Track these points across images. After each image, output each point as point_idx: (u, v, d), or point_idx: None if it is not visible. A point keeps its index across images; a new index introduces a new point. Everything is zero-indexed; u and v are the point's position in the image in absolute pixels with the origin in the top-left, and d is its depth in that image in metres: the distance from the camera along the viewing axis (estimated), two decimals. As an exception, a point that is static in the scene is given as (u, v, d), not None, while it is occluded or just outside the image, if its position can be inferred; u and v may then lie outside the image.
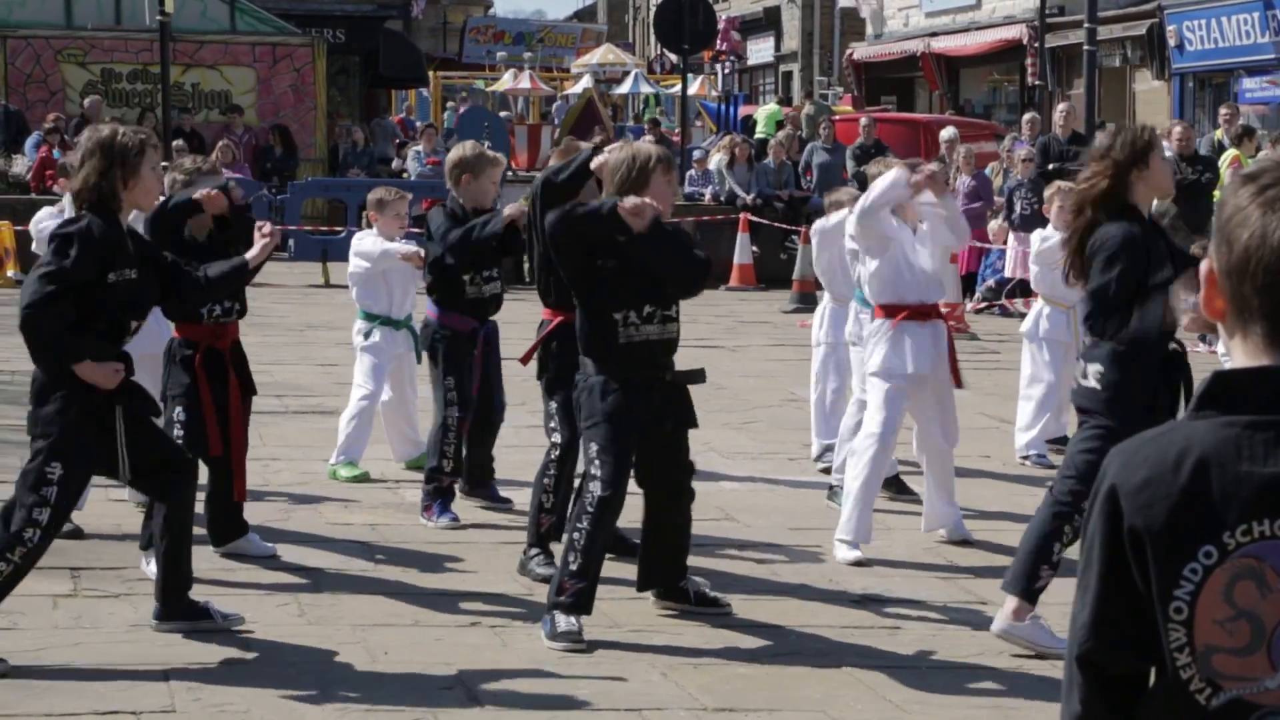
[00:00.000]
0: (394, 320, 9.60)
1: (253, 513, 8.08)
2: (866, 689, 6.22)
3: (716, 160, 23.36)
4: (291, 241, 22.07)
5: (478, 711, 5.89)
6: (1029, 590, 6.54)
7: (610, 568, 7.85)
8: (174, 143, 24.05)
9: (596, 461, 6.67)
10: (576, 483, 7.33)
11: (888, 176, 8.01)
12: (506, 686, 6.13)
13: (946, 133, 21.58)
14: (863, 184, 20.24)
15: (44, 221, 9.04)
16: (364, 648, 6.55)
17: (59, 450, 6.22)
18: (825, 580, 7.70)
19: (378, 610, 7.05)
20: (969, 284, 19.37)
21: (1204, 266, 2.22)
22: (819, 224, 9.84)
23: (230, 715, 5.79)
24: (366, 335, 9.57)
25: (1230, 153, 18.08)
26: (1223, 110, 20.96)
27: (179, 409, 7.60)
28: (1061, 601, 7.32)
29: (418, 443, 9.68)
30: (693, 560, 8.04)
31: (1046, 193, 10.61)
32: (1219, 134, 20.00)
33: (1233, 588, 2.14)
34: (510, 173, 26.93)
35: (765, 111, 32.17)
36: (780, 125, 27.80)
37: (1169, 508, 2.16)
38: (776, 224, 21.80)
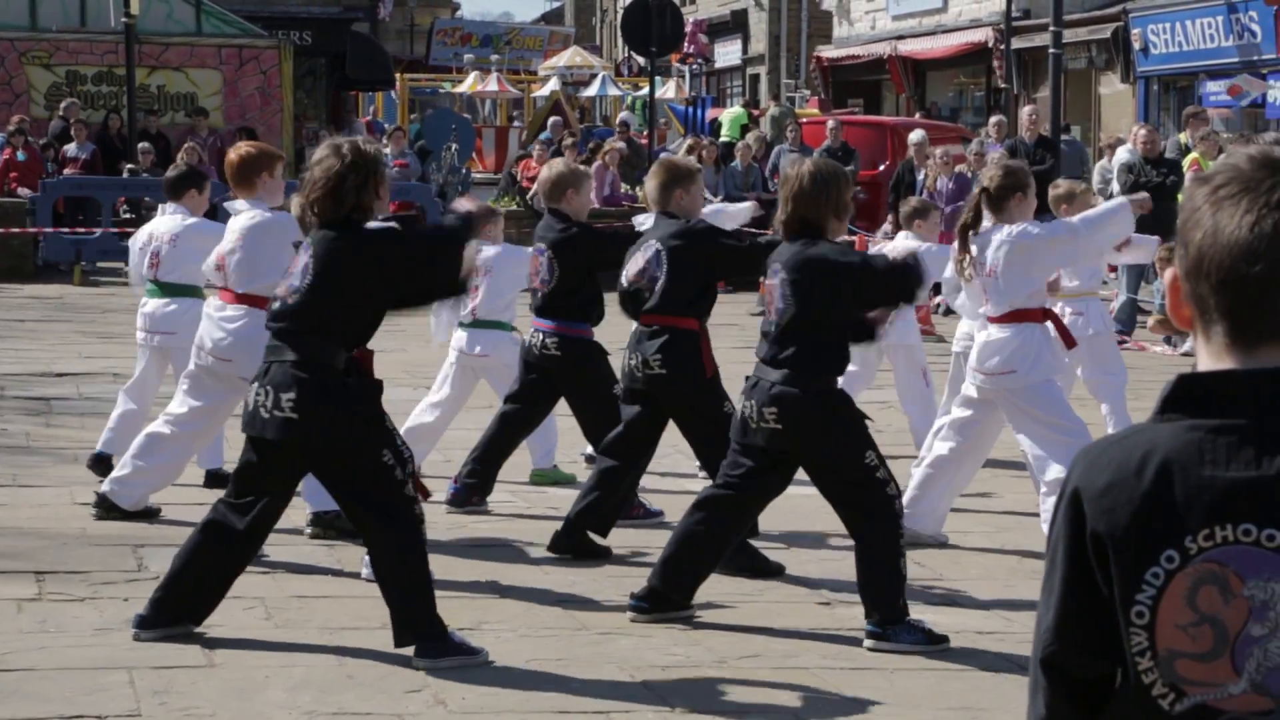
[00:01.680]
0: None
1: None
2: (834, 691, 6.23)
3: (684, 163, 23.33)
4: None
5: (445, 714, 5.88)
6: None
7: (578, 570, 7.85)
8: (139, 145, 23.99)
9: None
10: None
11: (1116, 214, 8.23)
12: (474, 689, 6.12)
13: (915, 136, 21.64)
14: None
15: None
16: (332, 651, 6.53)
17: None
18: (793, 582, 7.70)
19: (345, 613, 7.03)
20: (936, 286, 19.40)
21: (1168, 274, 2.24)
22: None
23: (196, 718, 5.76)
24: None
25: (1191, 155, 18.17)
26: (1187, 113, 21.06)
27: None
28: (1010, 605, 7.34)
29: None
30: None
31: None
32: (1183, 137, 20.09)
33: (1195, 593, 2.14)
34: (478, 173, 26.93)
35: (731, 114, 32.21)
36: (745, 128, 27.86)
37: (1131, 512, 2.16)
38: (744, 227, 21.81)
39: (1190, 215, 2.18)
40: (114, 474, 8.62)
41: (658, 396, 7.88)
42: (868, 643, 6.72)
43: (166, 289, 9.20)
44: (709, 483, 7.50)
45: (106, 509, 8.52)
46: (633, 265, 7.90)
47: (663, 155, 8.79)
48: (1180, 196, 17.01)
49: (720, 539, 7.04)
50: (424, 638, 6.32)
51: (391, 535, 6.32)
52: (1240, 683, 2.14)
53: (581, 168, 9.30)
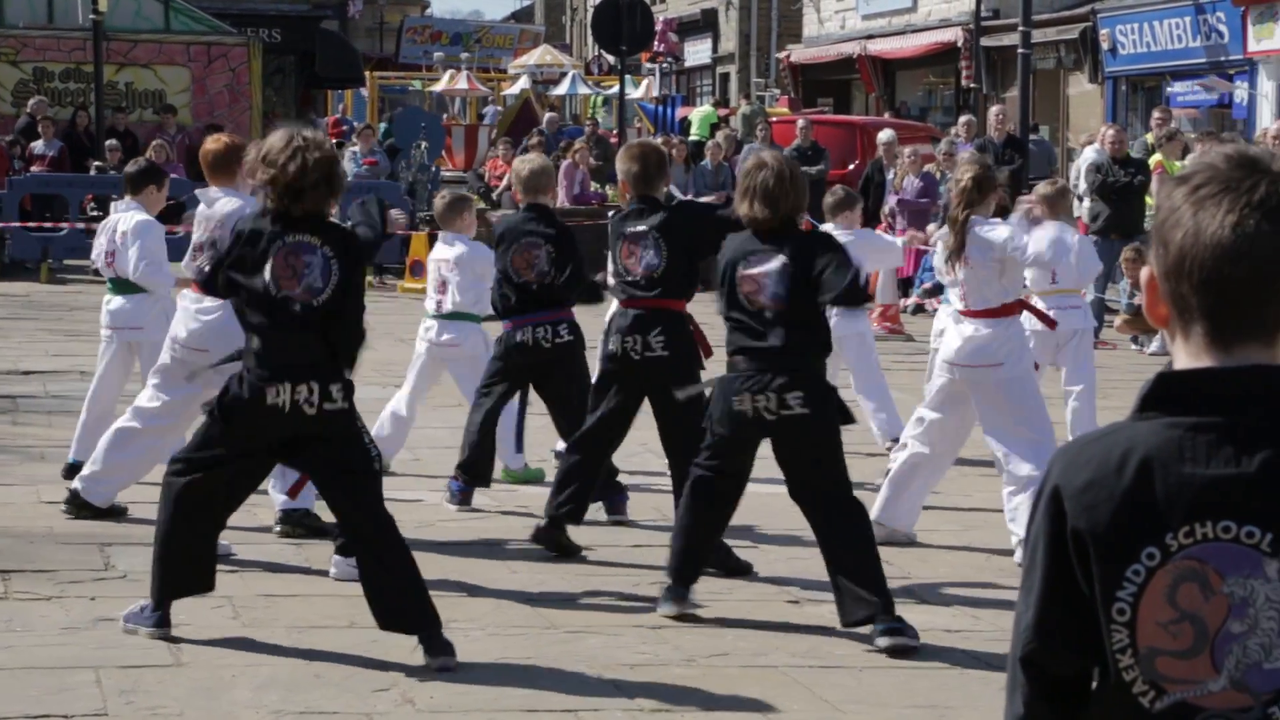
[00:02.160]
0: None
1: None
2: (803, 689, 6.23)
3: (654, 161, 23.33)
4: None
5: (413, 712, 5.87)
6: None
7: (547, 569, 7.85)
8: (107, 142, 23.89)
9: None
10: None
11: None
12: (443, 688, 6.11)
13: (884, 135, 21.67)
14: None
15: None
16: (299, 650, 6.51)
17: None
18: (761, 581, 7.71)
19: (312, 612, 7.02)
20: (905, 285, 19.46)
21: (1144, 273, 2.24)
22: None
23: (163, 718, 5.75)
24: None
25: (1155, 157, 18.23)
26: (1155, 113, 21.13)
27: None
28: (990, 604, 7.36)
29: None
30: (629, 562, 8.04)
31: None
32: (1150, 137, 20.16)
33: (1176, 590, 2.15)
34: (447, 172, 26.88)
35: (700, 113, 32.22)
36: (715, 127, 27.87)
37: (1112, 509, 2.17)
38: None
39: (1169, 215, 2.18)
40: (84, 471, 8.58)
41: (651, 378, 7.87)
42: (887, 641, 6.63)
43: (121, 285, 9.20)
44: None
45: (78, 507, 8.48)
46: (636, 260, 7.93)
47: (640, 141, 8.80)
48: (1149, 197, 17.08)
49: (722, 520, 7.19)
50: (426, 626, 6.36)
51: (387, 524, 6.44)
52: (1220, 680, 2.15)
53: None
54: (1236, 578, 2.14)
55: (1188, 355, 2.20)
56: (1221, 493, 2.14)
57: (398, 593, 6.36)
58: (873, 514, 7.58)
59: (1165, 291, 2.20)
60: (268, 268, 6.34)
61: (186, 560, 6.55)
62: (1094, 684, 2.26)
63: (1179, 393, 2.18)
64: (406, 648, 6.57)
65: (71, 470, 9.09)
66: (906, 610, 7.27)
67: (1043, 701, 2.28)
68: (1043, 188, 10.35)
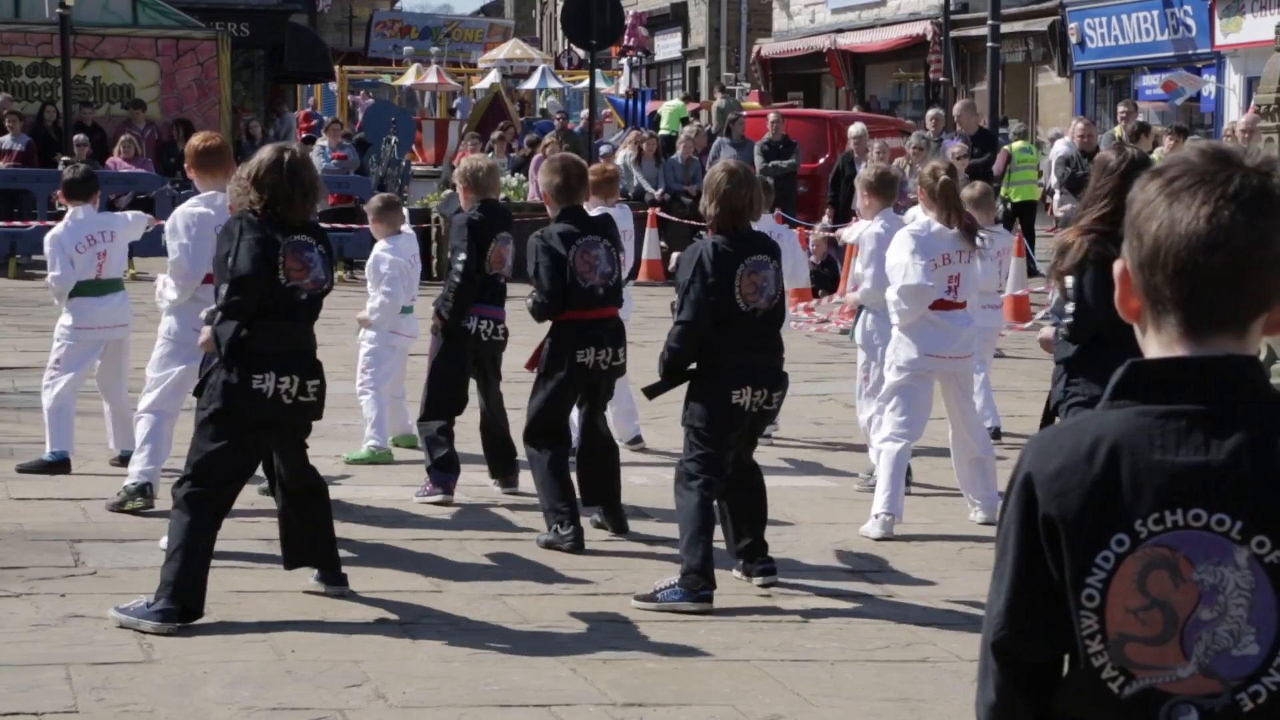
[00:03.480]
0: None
1: (160, 508, 8.00)
2: (775, 682, 6.24)
3: (623, 156, 23.35)
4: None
5: (385, 708, 5.86)
6: None
7: (519, 564, 7.84)
8: (75, 137, 23.77)
9: None
10: None
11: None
12: (415, 684, 6.10)
13: (855, 129, 21.67)
14: (772, 180, 20.20)
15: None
16: (270, 645, 6.50)
17: None
18: (732, 575, 7.71)
19: (284, 608, 7.00)
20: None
21: (1118, 266, 2.26)
22: None
23: (134, 715, 5.73)
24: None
25: (1126, 150, 18.28)
26: (1121, 107, 21.21)
27: None
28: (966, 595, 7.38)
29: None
30: (602, 555, 8.05)
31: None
32: (1118, 130, 20.24)
33: (1145, 577, 2.17)
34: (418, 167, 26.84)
35: (670, 107, 32.20)
36: (685, 121, 27.86)
37: (1082, 495, 2.19)
38: (685, 220, 21.84)
39: (1144, 207, 2.21)
40: (139, 466, 8.58)
41: (603, 387, 8.40)
42: (763, 580, 7.45)
43: (108, 285, 9.38)
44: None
45: (147, 498, 8.54)
46: (594, 264, 8.14)
47: (561, 155, 8.98)
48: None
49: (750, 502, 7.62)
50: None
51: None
52: (1189, 666, 2.17)
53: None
54: (1206, 565, 2.16)
55: (1160, 346, 2.22)
56: (1191, 480, 2.16)
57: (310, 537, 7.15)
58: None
59: (1139, 283, 2.22)
60: (280, 262, 6.79)
61: (203, 570, 6.79)
62: (1064, 671, 2.28)
63: (1150, 381, 2.20)
64: (379, 643, 6.57)
65: (124, 460, 9.21)
66: (878, 603, 7.30)
67: (1013, 688, 2.30)
68: (965, 189, 10.27)
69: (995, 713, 2.31)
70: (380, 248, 10.19)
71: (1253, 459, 2.15)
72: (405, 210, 10.68)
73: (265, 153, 6.87)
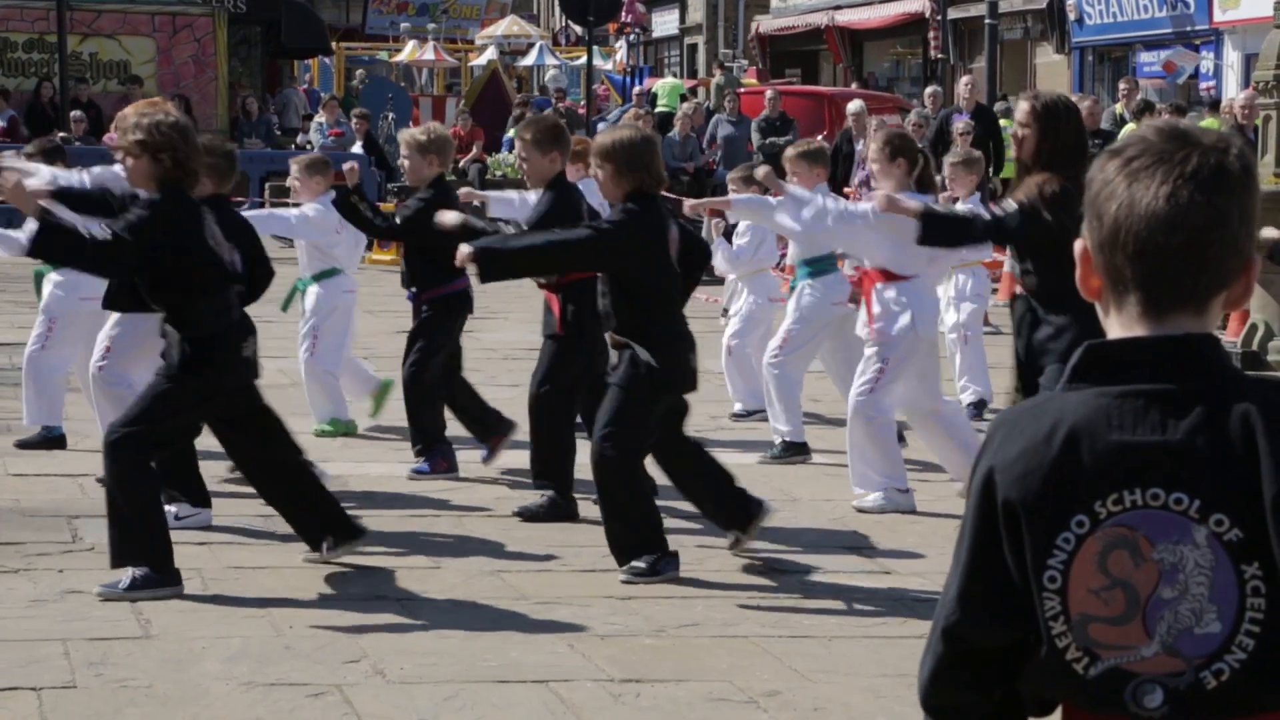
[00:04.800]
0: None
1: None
2: (773, 659, 6.25)
3: (621, 132, 23.29)
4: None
5: (383, 684, 5.87)
6: None
7: (518, 540, 7.85)
8: (71, 113, 23.74)
9: None
10: None
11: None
12: (413, 659, 6.11)
13: (854, 106, 21.65)
14: (768, 157, 20.29)
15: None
16: (269, 621, 6.51)
17: None
18: (730, 551, 7.72)
19: (282, 584, 7.01)
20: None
21: (1078, 246, 2.27)
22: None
23: (133, 690, 5.73)
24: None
25: (1129, 127, 18.28)
26: (1121, 85, 21.19)
27: None
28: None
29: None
30: (599, 533, 8.05)
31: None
32: (1119, 108, 20.21)
33: (1106, 557, 2.18)
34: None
35: (666, 85, 32.15)
36: (683, 98, 27.82)
37: (1041, 478, 2.20)
38: (683, 196, 21.82)
39: (1103, 187, 2.22)
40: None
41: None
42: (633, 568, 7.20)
43: None
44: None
45: None
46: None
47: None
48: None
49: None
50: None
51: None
52: (1152, 645, 2.19)
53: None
54: (1166, 544, 2.17)
55: (1120, 326, 2.23)
56: (1149, 460, 2.17)
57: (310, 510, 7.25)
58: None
59: (1099, 263, 2.23)
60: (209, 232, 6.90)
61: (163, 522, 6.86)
62: (1018, 659, 2.29)
63: (1107, 362, 2.21)
64: (377, 619, 6.57)
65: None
66: (876, 579, 7.30)
67: (952, 669, 2.32)
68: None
69: (933, 686, 2.33)
70: (309, 209, 9.80)
71: (1209, 437, 2.16)
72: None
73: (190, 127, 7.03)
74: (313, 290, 9.91)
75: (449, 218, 8.38)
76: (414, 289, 9.06)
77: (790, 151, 9.91)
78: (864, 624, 6.71)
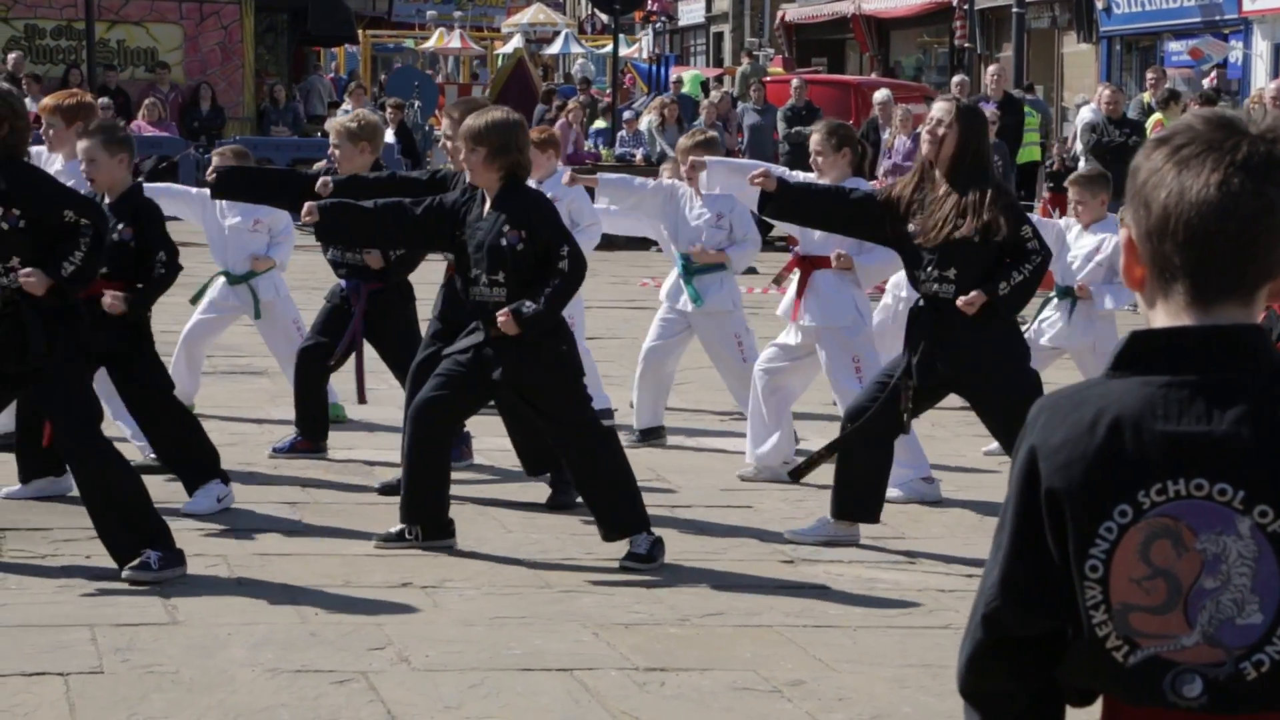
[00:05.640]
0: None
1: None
2: (797, 648, 6.25)
3: (647, 121, 23.33)
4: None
5: (407, 671, 5.88)
6: None
7: (542, 528, 7.86)
8: (99, 100, 23.78)
9: None
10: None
11: None
12: (438, 647, 6.13)
13: (880, 94, 21.62)
14: (794, 146, 20.20)
15: None
16: (294, 608, 6.53)
17: None
18: (755, 540, 7.73)
19: (308, 571, 7.03)
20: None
21: (1122, 234, 2.26)
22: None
23: (159, 676, 5.76)
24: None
25: (1155, 116, 18.22)
26: (1149, 74, 21.10)
27: None
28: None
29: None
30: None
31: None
32: (1146, 97, 20.14)
33: (1149, 546, 2.18)
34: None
35: (690, 74, 32.15)
36: (705, 86, 27.81)
37: (1085, 467, 2.19)
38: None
39: (1151, 175, 2.20)
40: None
41: None
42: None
43: None
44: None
45: None
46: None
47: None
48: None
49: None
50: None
51: None
52: (1193, 635, 2.18)
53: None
54: (1209, 534, 2.17)
55: (1167, 315, 2.22)
56: (1194, 450, 2.16)
57: None
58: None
59: (1146, 252, 2.22)
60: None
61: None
62: (1057, 647, 2.29)
63: (1152, 351, 2.20)
64: (402, 607, 6.59)
65: None
66: (900, 570, 7.29)
67: (991, 656, 2.33)
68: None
69: (970, 672, 2.36)
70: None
71: (1255, 428, 2.16)
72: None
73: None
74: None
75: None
76: (354, 280, 8.88)
77: (815, 136, 9.82)
78: (888, 614, 6.71)
